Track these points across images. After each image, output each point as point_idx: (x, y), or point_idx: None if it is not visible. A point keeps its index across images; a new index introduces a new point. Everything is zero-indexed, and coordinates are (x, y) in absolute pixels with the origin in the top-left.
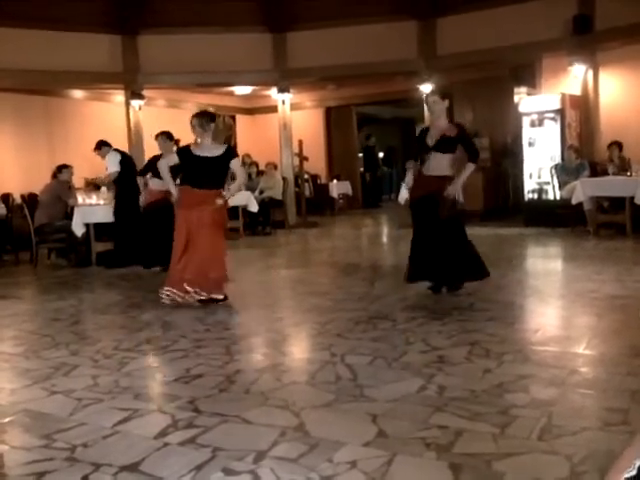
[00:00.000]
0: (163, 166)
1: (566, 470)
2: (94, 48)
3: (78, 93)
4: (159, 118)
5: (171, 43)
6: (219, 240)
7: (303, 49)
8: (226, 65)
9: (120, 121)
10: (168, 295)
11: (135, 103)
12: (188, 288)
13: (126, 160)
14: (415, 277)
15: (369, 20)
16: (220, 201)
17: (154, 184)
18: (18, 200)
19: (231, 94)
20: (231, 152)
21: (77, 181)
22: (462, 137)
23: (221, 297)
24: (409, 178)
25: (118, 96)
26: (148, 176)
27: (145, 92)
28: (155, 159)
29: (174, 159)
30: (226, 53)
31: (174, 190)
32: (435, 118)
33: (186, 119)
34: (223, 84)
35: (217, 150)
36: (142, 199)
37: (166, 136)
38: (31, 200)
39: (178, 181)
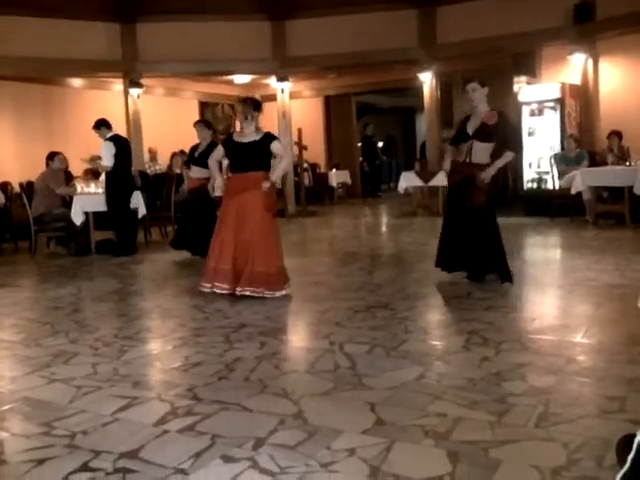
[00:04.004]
0: (212, 163)
1: (563, 457)
2: (92, 36)
3: (77, 81)
4: (158, 107)
5: (170, 31)
6: (269, 227)
7: (302, 37)
8: (225, 54)
9: (119, 110)
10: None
11: (134, 92)
12: (217, 283)
13: (121, 150)
14: (444, 266)
15: (369, 8)
16: (267, 184)
17: (194, 172)
18: (17, 189)
19: (230, 83)
20: (270, 136)
21: (75, 169)
22: (501, 126)
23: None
24: (447, 163)
25: (117, 84)
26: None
27: (144, 80)
28: (194, 148)
29: (220, 152)
30: (225, 41)
31: (220, 182)
32: (475, 105)
33: (185, 108)
34: (222, 73)
35: (256, 136)
36: (185, 187)
37: (204, 124)
38: (30, 189)
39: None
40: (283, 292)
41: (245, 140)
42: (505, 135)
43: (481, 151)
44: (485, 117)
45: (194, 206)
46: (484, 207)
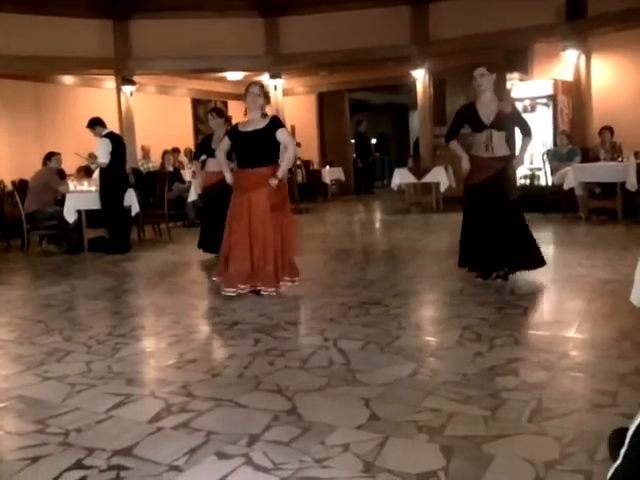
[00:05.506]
0: (219, 154)
1: (556, 451)
2: (85, 33)
3: (68, 79)
4: (151, 104)
5: (162, 28)
6: (282, 224)
7: (295, 34)
8: (218, 50)
9: (111, 107)
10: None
11: (126, 89)
12: (240, 285)
13: (117, 148)
14: (470, 264)
15: (361, 5)
16: (274, 181)
17: (211, 166)
18: (9, 187)
19: (223, 80)
20: (275, 123)
21: (68, 168)
22: (517, 114)
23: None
24: (466, 162)
25: (109, 82)
26: (203, 157)
27: (136, 78)
28: (207, 139)
29: (226, 143)
30: (218, 38)
31: (229, 176)
32: (481, 92)
33: (178, 105)
34: (215, 70)
35: (261, 123)
36: (199, 182)
37: (215, 113)
38: (22, 186)
39: (234, 164)
40: (287, 284)
41: (250, 129)
42: (519, 122)
43: (500, 140)
44: (501, 106)
45: (218, 203)
46: (515, 199)
